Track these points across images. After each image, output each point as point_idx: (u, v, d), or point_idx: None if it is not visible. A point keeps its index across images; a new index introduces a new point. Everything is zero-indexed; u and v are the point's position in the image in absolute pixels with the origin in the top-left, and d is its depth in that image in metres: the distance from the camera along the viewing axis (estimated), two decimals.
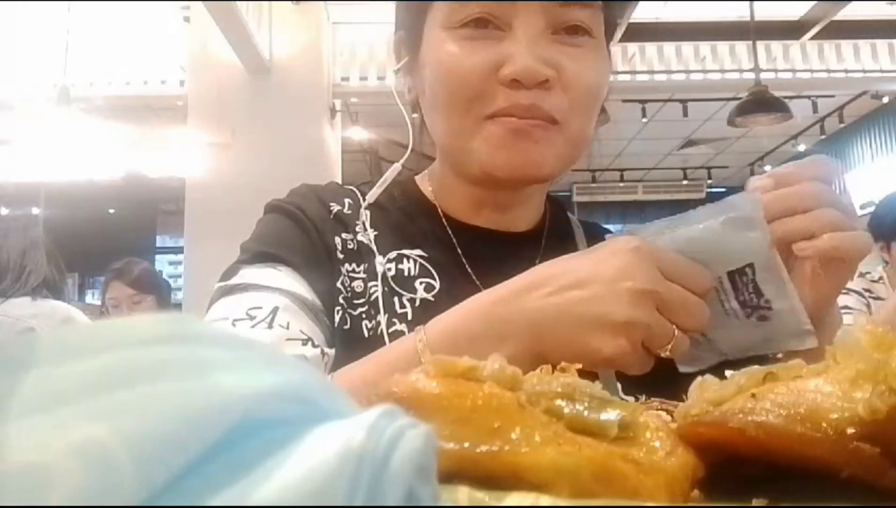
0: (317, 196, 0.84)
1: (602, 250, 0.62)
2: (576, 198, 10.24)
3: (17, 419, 0.20)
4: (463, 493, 0.27)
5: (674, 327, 0.58)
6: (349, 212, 0.83)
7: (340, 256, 0.79)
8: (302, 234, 0.79)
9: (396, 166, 0.86)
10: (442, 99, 0.75)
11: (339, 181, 0.95)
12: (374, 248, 0.80)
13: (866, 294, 2.53)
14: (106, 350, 0.22)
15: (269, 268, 0.75)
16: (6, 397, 0.21)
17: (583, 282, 0.59)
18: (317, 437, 0.22)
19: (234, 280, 0.75)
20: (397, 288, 0.78)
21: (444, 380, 0.33)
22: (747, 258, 0.61)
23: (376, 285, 0.78)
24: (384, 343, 0.73)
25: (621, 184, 10.37)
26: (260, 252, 0.77)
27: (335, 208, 0.82)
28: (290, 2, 5.03)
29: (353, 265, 0.79)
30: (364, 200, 0.85)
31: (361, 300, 0.78)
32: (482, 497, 0.27)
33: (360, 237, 0.81)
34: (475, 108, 0.73)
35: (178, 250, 8.18)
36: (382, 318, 0.76)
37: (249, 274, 0.75)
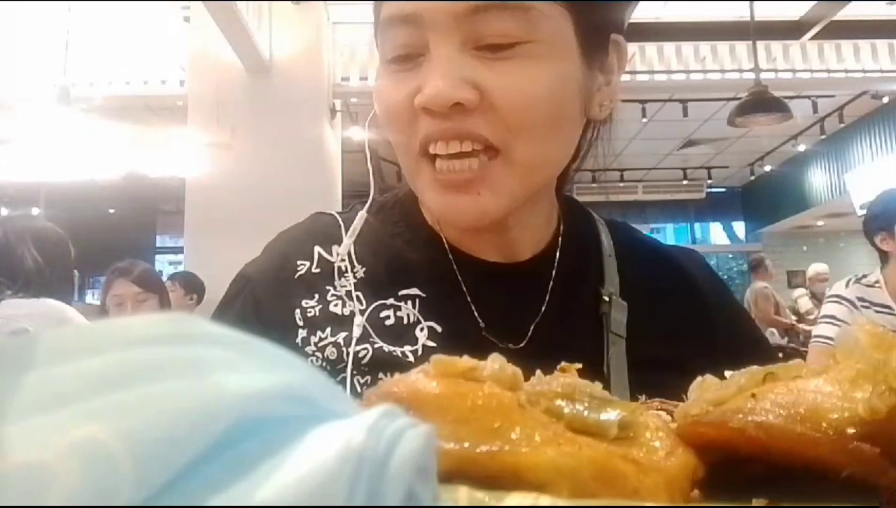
0: (282, 261, 0.75)
1: None
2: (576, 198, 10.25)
3: (17, 419, 0.20)
4: (463, 493, 0.27)
5: None
6: (318, 271, 0.73)
7: (303, 332, 0.70)
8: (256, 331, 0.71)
9: (362, 214, 0.76)
10: (388, 137, 0.69)
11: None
12: (357, 296, 0.71)
13: (859, 303, 2.41)
14: (106, 350, 0.22)
15: None
16: (6, 397, 0.21)
17: None
18: (317, 437, 0.22)
19: None
20: (391, 345, 0.69)
21: (444, 380, 0.33)
22: None
23: (353, 347, 0.69)
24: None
25: (621, 184, 10.36)
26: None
27: (302, 268, 0.74)
28: (290, 2, 5.03)
29: (322, 333, 0.70)
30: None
31: (342, 365, 0.68)
32: (482, 497, 0.27)
33: (335, 292, 0.72)
34: (409, 143, 0.66)
35: (178, 250, 8.17)
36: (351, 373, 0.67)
37: None
